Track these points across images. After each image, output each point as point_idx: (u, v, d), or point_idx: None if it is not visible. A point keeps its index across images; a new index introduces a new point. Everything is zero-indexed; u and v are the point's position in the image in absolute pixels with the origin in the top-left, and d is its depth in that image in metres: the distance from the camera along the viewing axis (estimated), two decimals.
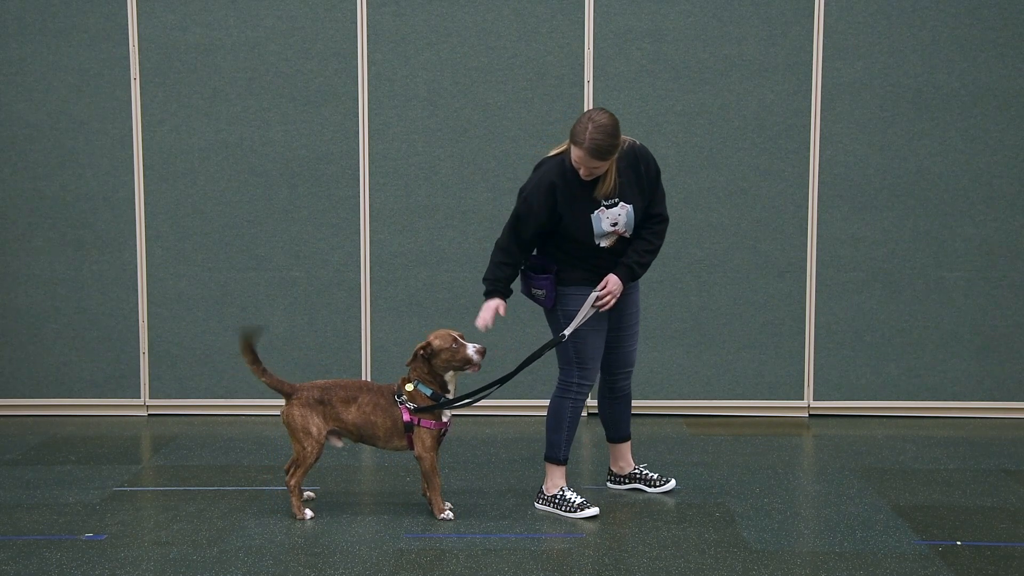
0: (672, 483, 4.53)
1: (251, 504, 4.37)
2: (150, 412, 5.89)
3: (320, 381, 4.23)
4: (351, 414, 4.14)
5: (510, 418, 5.83)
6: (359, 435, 4.20)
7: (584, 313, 4.13)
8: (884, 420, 5.79)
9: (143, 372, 5.85)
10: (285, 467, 4.29)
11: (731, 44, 5.63)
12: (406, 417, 4.11)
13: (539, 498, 4.36)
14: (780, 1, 5.61)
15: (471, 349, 4.10)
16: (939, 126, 5.66)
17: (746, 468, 4.90)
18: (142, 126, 5.71)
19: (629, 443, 4.58)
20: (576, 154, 3.94)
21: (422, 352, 4.10)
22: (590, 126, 3.89)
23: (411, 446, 4.15)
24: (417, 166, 5.73)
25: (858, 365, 5.80)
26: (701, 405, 5.84)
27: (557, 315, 4.22)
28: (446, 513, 4.17)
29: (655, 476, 4.56)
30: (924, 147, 5.67)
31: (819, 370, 5.81)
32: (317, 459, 4.17)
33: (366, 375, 5.83)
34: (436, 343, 4.10)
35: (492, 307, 4.19)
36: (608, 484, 4.61)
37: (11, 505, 4.36)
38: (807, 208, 5.71)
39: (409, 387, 4.13)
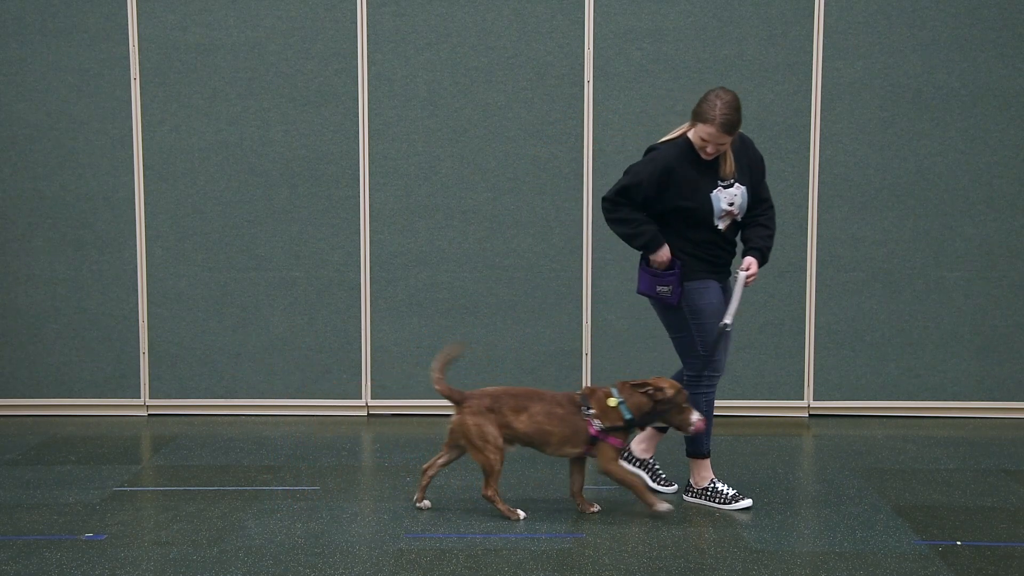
0: (748, 502, 4.36)
1: (251, 504, 4.37)
2: (150, 412, 5.89)
3: (489, 388, 4.20)
4: (522, 423, 4.10)
5: None
6: (528, 442, 4.15)
7: (739, 296, 4.20)
8: (884, 420, 5.79)
9: (143, 372, 5.85)
10: (484, 491, 4.20)
11: (731, 44, 5.64)
12: (592, 430, 4.09)
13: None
14: (780, 1, 5.61)
15: (695, 416, 4.11)
16: (939, 126, 5.66)
17: (746, 468, 4.89)
18: (142, 126, 5.71)
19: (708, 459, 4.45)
20: (706, 131, 4.08)
21: (652, 392, 4.08)
22: (718, 103, 4.05)
23: (584, 454, 4.15)
24: (417, 166, 5.73)
25: (858, 365, 5.80)
26: None
27: (682, 311, 4.25)
28: (663, 507, 4.17)
29: (730, 492, 4.38)
30: (924, 147, 5.68)
31: (819, 370, 5.80)
32: (502, 463, 4.13)
33: (366, 375, 5.83)
34: (670, 392, 4.09)
35: (667, 250, 4.22)
36: (685, 497, 4.47)
37: (11, 505, 4.36)
38: (807, 208, 5.71)
39: (612, 402, 4.09)
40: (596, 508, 4.25)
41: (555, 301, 5.79)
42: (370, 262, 5.79)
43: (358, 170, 5.73)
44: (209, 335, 5.82)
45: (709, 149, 4.13)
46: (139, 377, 5.86)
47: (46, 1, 5.63)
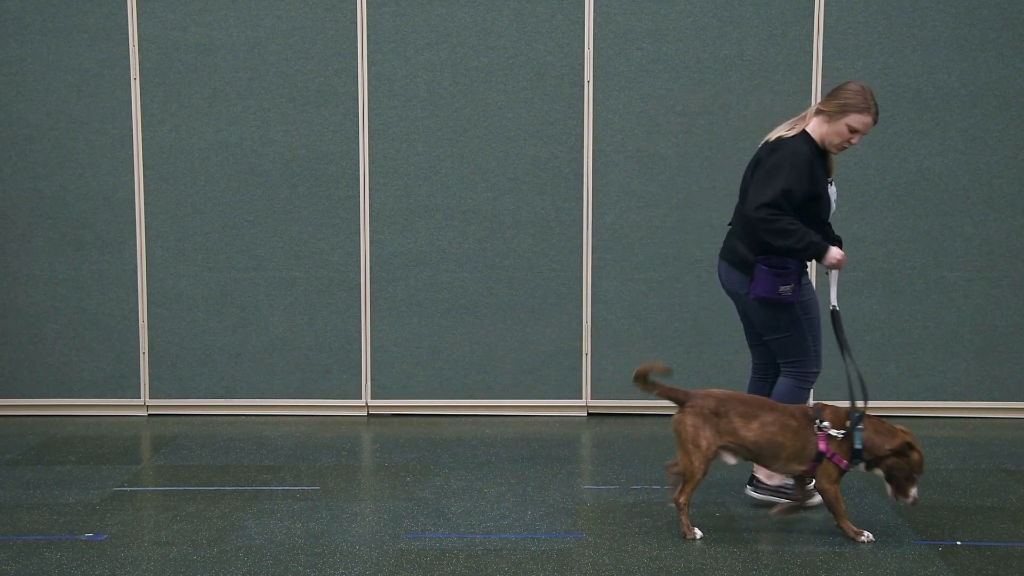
0: (818, 498, 4.35)
1: (251, 504, 4.37)
2: (150, 412, 5.89)
3: (716, 391, 4.00)
4: (751, 431, 3.88)
5: (510, 418, 5.83)
6: (755, 454, 3.92)
7: (837, 278, 4.26)
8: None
9: (143, 372, 5.85)
10: (670, 476, 4.06)
11: (731, 44, 5.64)
12: (822, 446, 3.89)
13: (758, 487, 4.32)
14: (780, 1, 5.61)
15: (915, 491, 3.90)
16: (939, 126, 5.66)
17: (746, 468, 4.88)
18: (142, 126, 5.71)
19: None
20: (862, 121, 4.09)
21: (900, 447, 3.86)
22: (868, 94, 4.09)
23: (809, 473, 3.96)
24: (417, 166, 5.73)
25: (858, 365, 5.79)
26: None
27: (795, 308, 4.18)
28: (865, 536, 3.95)
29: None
30: (924, 147, 5.68)
31: None
32: (705, 474, 3.92)
33: (366, 375, 5.83)
34: (915, 457, 3.87)
35: (837, 249, 4.17)
36: (750, 492, 4.42)
37: (11, 505, 4.36)
38: None
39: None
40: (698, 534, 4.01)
41: (555, 301, 5.79)
42: (370, 262, 5.79)
43: (358, 170, 5.73)
44: (209, 335, 5.82)
45: (855, 140, 4.13)
46: (139, 377, 5.86)
47: (46, 1, 5.63)
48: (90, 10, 5.64)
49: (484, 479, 4.73)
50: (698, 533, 3.97)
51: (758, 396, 4.07)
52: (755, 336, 4.42)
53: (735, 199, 5.67)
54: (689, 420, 3.90)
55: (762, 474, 4.35)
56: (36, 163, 5.73)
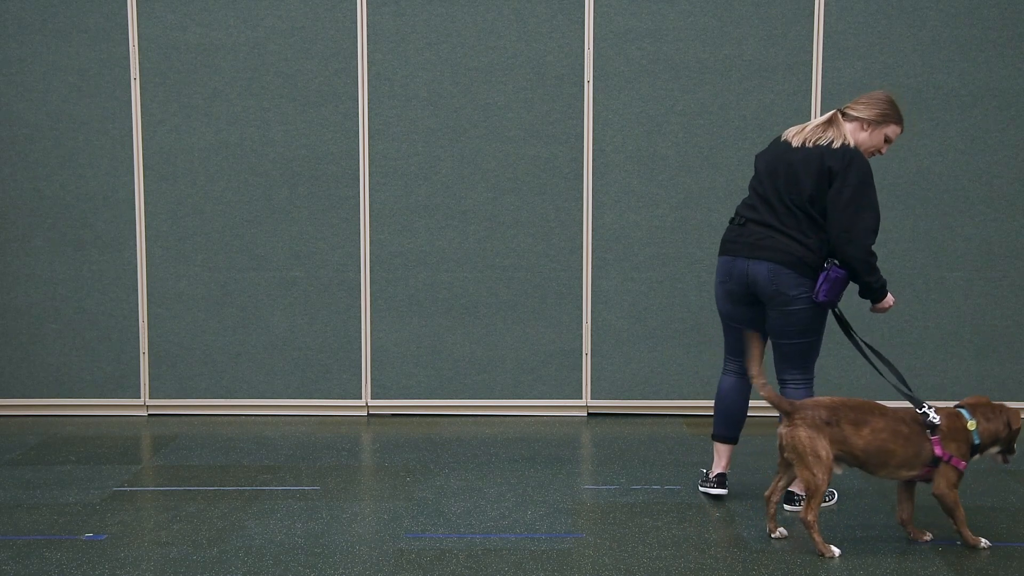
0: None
1: (251, 504, 4.37)
2: (150, 412, 5.89)
3: (823, 399, 3.85)
4: (862, 438, 3.75)
5: (510, 418, 5.83)
6: (862, 461, 3.79)
7: None
8: None
9: (143, 372, 5.85)
10: (769, 492, 3.97)
11: (731, 44, 5.64)
12: (937, 451, 3.77)
13: (795, 499, 4.27)
14: (780, 1, 5.61)
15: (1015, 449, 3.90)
16: (939, 126, 5.67)
17: (746, 468, 4.89)
18: (142, 126, 5.71)
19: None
20: (897, 132, 4.15)
21: (1009, 420, 3.82)
22: (899, 105, 4.13)
23: (923, 478, 3.84)
24: (417, 166, 5.73)
25: (857, 365, 5.79)
26: (701, 405, 5.84)
27: (825, 314, 4.20)
28: (982, 543, 3.86)
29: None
30: (924, 147, 5.68)
31: (819, 370, 5.78)
32: (828, 485, 3.78)
33: (366, 375, 5.83)
34: (1017, 424, 3.82)
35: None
36: (701, 488, 4.46)
37: (11, 505, 4.36)
38: None
39: (971, 425, 3.78)
40: (929, 536, 3.95)
41: (555, 301, 5.79)
42: (370, 262, 5.79)
43: (358, 170, 5.73)
44: (209, 335, 5.82)
45: (884, 151, 4.17)
46: (139, 377, 5.86)
47: (46, 1, 5.63)
48: (90, 10, 5.64)
49: (484, 479, 4.73)
50: (836, 551, 3.80)
51: (866, 400, 3.93)
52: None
53: (735, 199, 5.68)
54: (803, 432, 3.75)
55: (797, 488, 4.26)
56: (36, 163, 5.73)
